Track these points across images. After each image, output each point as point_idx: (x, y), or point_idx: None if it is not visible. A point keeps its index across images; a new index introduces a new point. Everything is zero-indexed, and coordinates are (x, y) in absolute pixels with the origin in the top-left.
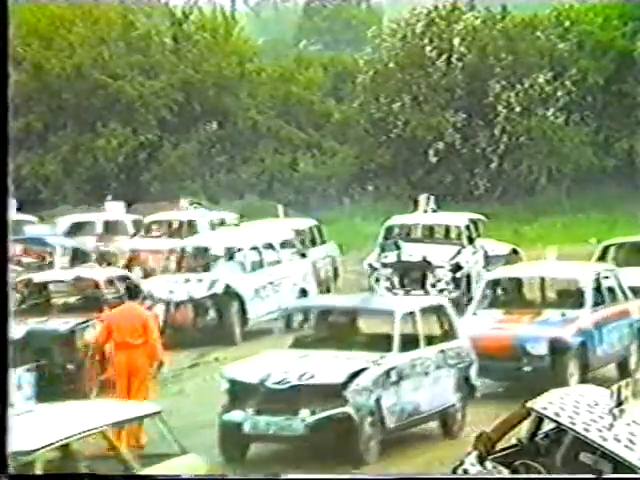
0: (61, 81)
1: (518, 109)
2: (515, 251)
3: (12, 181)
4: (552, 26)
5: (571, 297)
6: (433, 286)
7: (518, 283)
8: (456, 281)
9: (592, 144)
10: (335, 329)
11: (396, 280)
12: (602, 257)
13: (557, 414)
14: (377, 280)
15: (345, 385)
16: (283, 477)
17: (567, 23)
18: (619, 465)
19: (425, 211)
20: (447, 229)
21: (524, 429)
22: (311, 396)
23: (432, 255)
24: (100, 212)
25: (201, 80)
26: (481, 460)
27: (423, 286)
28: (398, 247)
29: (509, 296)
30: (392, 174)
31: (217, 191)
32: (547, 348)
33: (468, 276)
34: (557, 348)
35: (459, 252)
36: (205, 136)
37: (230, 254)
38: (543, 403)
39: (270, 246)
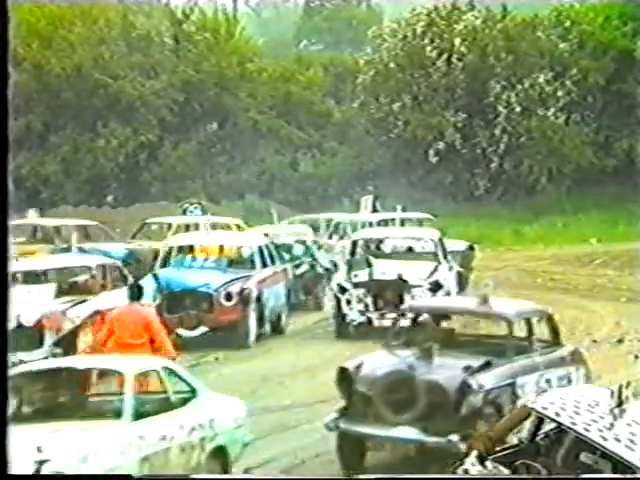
0: (61, 81)
1: (518, 109)
2: (471, 247)
3: (12, 181)
4: (552, 26)
5: None
6: None
7: None
8: None
9: (592, 144)
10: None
11: (369, 301)
12: None
13: (557, 414)
14: (348, 302)
15: None
16: (283, 477)
17: (567, 23)
18: (619, 465)
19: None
20: (414, 246)
21: (524, 429)
22: None
23: (407, 273)
24: None
25: (201, 80)
26: (481, 460)
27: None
28: (369, 264)
29: None
30: (392, 174)
31: (217, 191)
32: None
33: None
34: None
35: (436, 269)
36: (205, 136)
37: None
38: (544, 403)
39: None
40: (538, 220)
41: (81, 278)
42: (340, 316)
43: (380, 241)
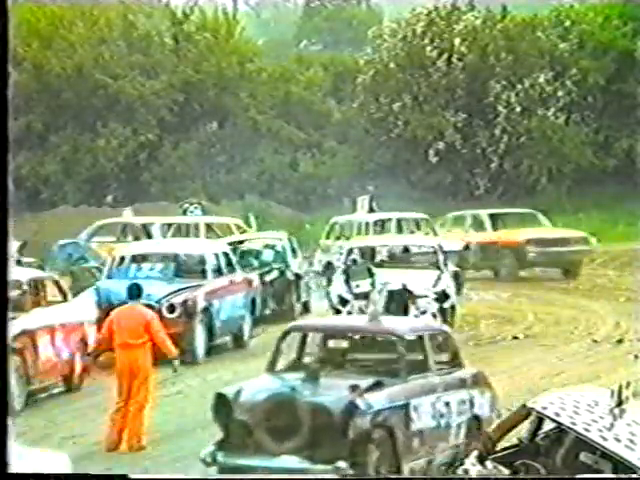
0: (61, 81)
1: (518, 109)
2: (467, 247)
3: (12, 181)
4: (552, 26)
5: None
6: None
7: None
8: (443, 313)
9: (592, 144)
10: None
11: None
12: None
13: (557, 414)
14: (349, 314)
15: None
16: (282, 477)
17: (567, 23)
18: (619, 465)
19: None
20: (413, 251)
21: (524, 429)
22: None
23: (412, 282)
24: None
25: (201, 80)
26: (481, 460)
27: None
28: (371, 274)
29: None
30: (392, 174)
31: (217, 191)
32: None
33: (452, 307)
34: None
35: (440, 278)
36: (205, 136)
37: None
38: (543, 403)
39: None
40: None
41: (12, 293)
42: None
43: (376, 249)
